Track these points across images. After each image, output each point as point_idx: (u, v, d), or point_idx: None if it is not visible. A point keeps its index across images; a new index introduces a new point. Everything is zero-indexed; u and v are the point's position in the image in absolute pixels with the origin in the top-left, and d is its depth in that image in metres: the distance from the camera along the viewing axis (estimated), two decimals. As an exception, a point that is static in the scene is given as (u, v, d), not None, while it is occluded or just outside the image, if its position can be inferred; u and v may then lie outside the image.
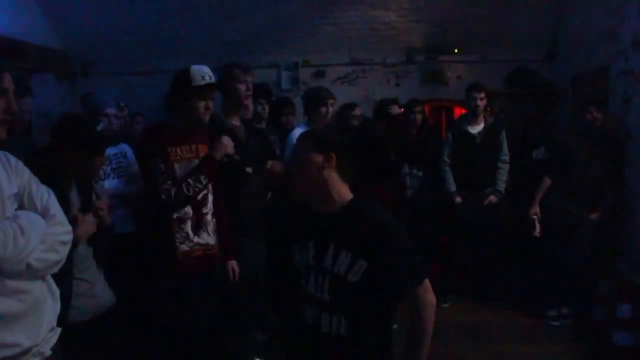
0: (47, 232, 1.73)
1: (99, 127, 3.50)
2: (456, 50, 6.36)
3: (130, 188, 3.55)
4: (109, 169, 3.56)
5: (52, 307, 1.84)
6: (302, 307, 2.01)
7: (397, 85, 6.40)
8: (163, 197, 2.63)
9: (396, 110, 4.66)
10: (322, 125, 3.99)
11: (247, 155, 3.28)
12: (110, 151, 3.60)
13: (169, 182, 2.65)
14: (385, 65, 6.50)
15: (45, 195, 1.81)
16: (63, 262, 1.80)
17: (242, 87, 3.20)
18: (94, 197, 2.54)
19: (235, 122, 3.31)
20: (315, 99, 3.90)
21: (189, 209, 2.78)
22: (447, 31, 6.22)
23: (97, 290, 2.44)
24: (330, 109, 3.93)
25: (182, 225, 2.76)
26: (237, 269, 3.03)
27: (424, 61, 6.44)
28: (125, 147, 3.73)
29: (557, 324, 4.54)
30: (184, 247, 2.77)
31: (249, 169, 3.24)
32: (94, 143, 2.43)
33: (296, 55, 6.55)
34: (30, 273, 1.68)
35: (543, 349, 4.12)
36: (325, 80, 6.42)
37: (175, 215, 2.74)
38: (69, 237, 1.83)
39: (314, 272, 1.96)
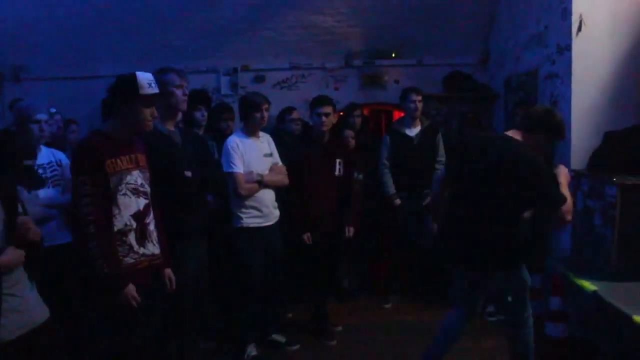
0: None
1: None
2: (393, 55, 6.49)
3: (66, 197, 3.43)
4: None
5: None
6: None
7: (336, 89, 6.46)
8: (82, 223, 2.58)
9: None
10: (257, 131, 3.99)
11: (184, 159, 3.26)
12: (44, 160, 3.49)
13: (91, 207, 2.57)
14: (324, 70, 6.57)
15: None
16: None
17: (179, 92, 3.17)
18: (20, 209, 2.44)
19: (170, 127, 3.27)
20: (249, 105, 3.89)
21: (131, 221, 2.71)
22: (385, 36, 6.34)
23: (29, 305, 2.36)
24: (265, 114, 3.94)
25: (124, 238, 2.69)
26: (173, 277, 2.99)
27: (362, 65, 6.54)
28: (60, 155, 3.60)
29: (494, 319, 4.68)
30: (129, 260, 2.69)
31: (187, 173, 3.21)
32: (20, 170, 2.35)
33: (235, 60, 6.53)
34: None
35: (482, 344, 4.24)
36: (265, 85, 6.44)
37: (115, 228, 2.68)
38: None
39: None
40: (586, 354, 3.81)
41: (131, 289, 2.61)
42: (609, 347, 3.52)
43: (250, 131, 3.94)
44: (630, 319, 2.94)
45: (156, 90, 2.71)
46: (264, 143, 4.03)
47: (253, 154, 3.88)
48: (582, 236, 4.09)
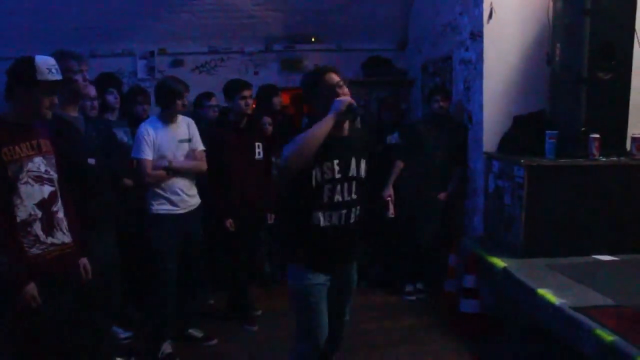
0: None
1: None
2: (313, 40, 6.50)
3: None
4: None
5: None
6: (327, 216, 2.61)
7: (256, 73, 6.41)
8: None
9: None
10: (175, 117, 3.87)
11: (87, 146, 3.14)
12: None
13: None
14: (244, 54, 6.49)
15: None
16: None
17: (79, 78, 3.03)
18: None
19: (73, 113, 3.13)
20: (168, 92, 3.77)
21: (35, 210, 2.58)
22: (305, 21, 6.33)
23: None
24: (185, 102, 3.84)
25: (29, 228, 2.56)
26: (89, 267, 2.90)
27: (282, 50, 6.52)
28: None
29: (413, 298, 4.84)
30: (35, 251, 2.57)
31: (91, 161, 3.10)
32: None
33: (153, 43, 6.33)
34: None
35: (401, 323, 4.36)
36: (184, 69, 6.30)
37: (18, 219, 2.54)
38: None
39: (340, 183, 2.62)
40: (497, 328, 4.00)
41: (31, 288, 2.49)
42: (516, 320, 3.71)
43: (166, 117, 3.81)
44: (534, 292, 3.09)
45: (58, 77, 2.56)
46: (182, 128, 3.88)
47: (166, 141, 3.76)
48: (494, 216, 4.26)
